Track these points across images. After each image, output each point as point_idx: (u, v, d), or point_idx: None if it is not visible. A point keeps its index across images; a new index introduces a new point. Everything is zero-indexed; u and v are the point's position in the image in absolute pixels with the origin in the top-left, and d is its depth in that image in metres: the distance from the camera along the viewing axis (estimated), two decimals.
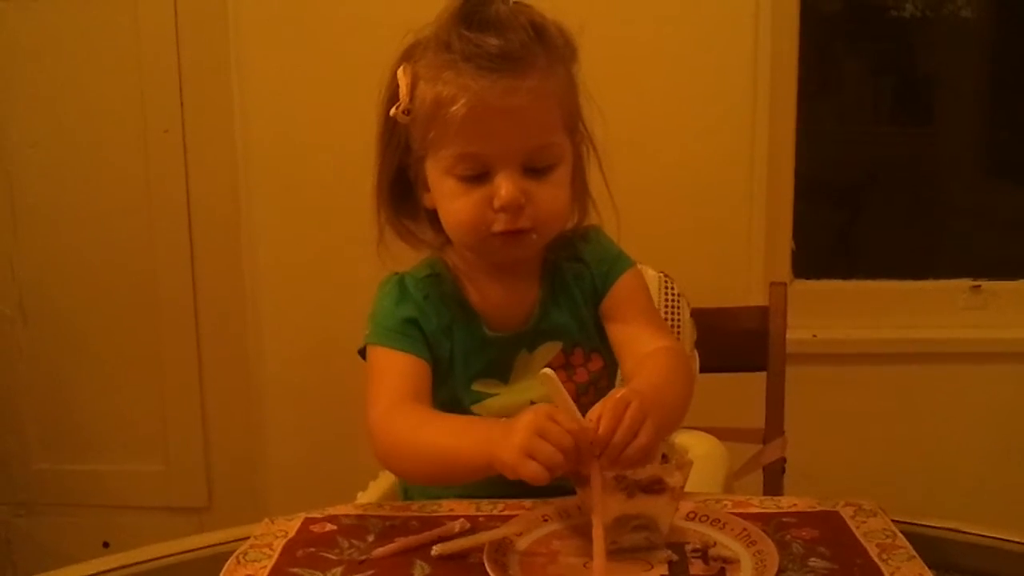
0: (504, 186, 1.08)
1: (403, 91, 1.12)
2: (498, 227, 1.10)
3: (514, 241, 1.12)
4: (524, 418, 0.93)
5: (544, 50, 1.10)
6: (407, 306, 1.17)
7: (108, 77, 2.25)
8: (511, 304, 1.20)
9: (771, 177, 2.13)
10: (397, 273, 1.21)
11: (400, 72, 1.12)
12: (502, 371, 1.19)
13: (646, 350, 1.16)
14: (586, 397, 1.19)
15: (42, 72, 2.26)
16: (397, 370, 1.14)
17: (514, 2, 1.10)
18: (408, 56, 1.13)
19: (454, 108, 1.06)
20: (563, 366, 1.19)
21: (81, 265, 2.32)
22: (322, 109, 2.12)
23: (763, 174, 2.12)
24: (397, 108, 1.12)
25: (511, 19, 1.07)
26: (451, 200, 1.12)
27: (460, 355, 1.18)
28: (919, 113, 2.61)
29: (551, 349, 1.20)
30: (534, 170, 1.10)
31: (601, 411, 0.94)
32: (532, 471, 0.91)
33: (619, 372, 1.24)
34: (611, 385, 1.25)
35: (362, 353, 1.19)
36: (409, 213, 1.20)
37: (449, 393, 1.17)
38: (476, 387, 1.18)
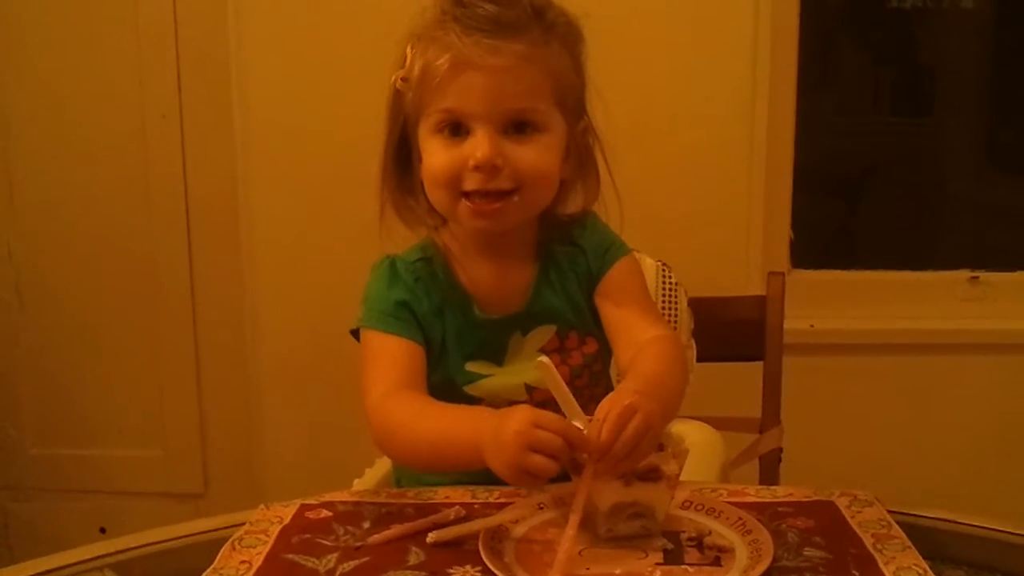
0: (480, 145, 1.09)
1: (407, 62, 1.14)
2: (471, 185, 1.10)
3: (491, 204, 1.11)
4: (510, 428, 0.92)
5: (541, 27, 1.12)
6: (399, 288, 1.18)
7: (106, 62, 2.24)
8: (503, 287, 1.20)
9: (770, 167, 2.12)
10: (389, 256, 1.22)
11: (408, 48, 1.15)
12: (495, 353, 1.19)
13: (642, 338, 1.16)
14: (580, 380, 1.20)
15: (41, 56, 2.25)
16: (392, 355, 1.14)
17: None
18: (415, 31, 1.15)
19: (438, 62, 1.09)
20: (557, 349, 1.20)
21: (78, 250, 2.32)
22: (321, 96, 2.11)
23: (762, 164, 2.11)
24: (397, 76, 1.14)
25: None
26: (432, 157, 1.13)
27: (452, 337, 1.18)
28: (919, 104, 2.61)
29: (545, 332, 1.20)
30: (516, 130, 1.11)
31: (607, 414, 0.93)
32: (530, 484, 0.94)
33: (612, 359, 1.24)
34: (605, 369, 1.25)
35: (354, 334, 1.19)
36: (407, 188, 1.20)
37: (443, 374, 1.18)
38: (470, 368, 1.18)
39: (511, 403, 1.09)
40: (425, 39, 1.12)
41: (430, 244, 1.22)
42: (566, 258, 1.22)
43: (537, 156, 1.12)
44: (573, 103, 1.17)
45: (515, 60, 1.08)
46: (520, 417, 0.93)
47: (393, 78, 1.15)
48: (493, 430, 0.94)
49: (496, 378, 1.18)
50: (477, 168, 1.09)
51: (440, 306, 1.18)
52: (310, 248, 2.17)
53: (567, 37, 1.15)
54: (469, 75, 1.08)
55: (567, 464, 0.96)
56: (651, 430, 0.93)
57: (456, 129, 1.11)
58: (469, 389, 1.18)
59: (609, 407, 0.94)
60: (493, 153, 1.08)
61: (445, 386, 1.17)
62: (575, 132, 1.18)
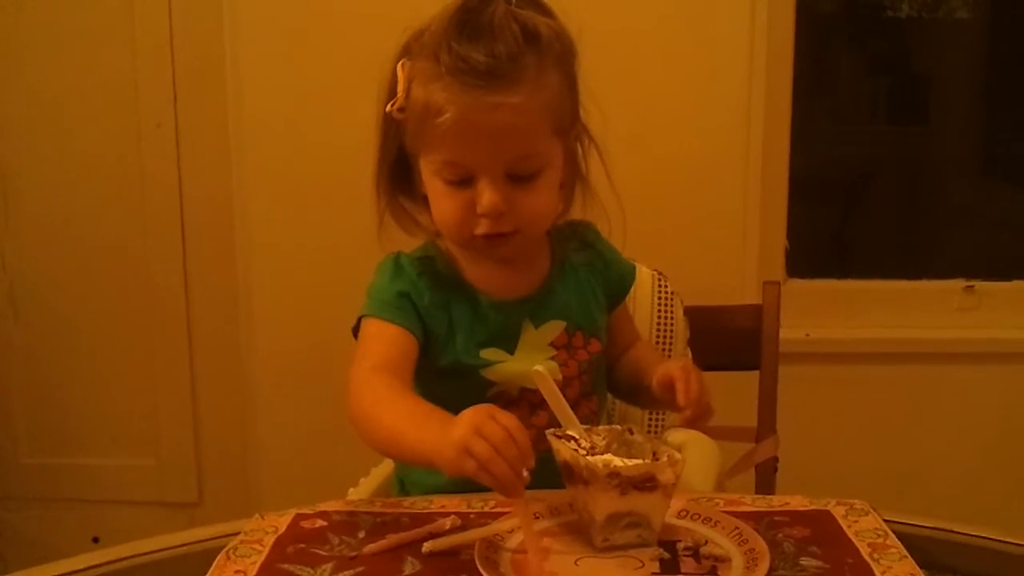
0: (486, 194, 1.12)
1: (400, 88, 1.14)
2: (480, 230, 1.15)
3: (497, 242, 1.16)
4: (466, 413, 0.93)
5: (535, 59, 1.10)
6: (401, 281, 1.20)
7: (101, 70, 2.24)
8: (511, 278, 1.23)
9: (766, 176, 2.13)
10: (393, 253, 1.24)
11: (399, 67, 1.15)
12: (507, 341, 1.21)
13: (628, 341, 1.34)
14: (585, 375, 1.24)
15: (35, 65, 2.25)
16: (383, 339, 1.17)
17: (515, 4, 1.10)
18: (407, 51, 1.15)
19: (440, 119, 1.09)
20: (565, 346, 1.23)
21: (73, 259, 2.31)
22: (316, 104, 2.11)
23: (758, 173, 2.11)
24: (393, 105, 1.15)
25: (503, 27, 1.08)
26: (438, 200, 1.16)
27: (463, 327, 1.20)
28: (914, 113, 2.61)
29: (555, 327, 1.23)
30: (518, 177, 1.13)
31: (666, 375, 1.11)
32: (470, 468, 0.90)
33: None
34: (601, 373, 1.30)
35: (355, 332, 1.20)
36: (408, 194, 1.23)
37: (452, 359, 1.19)
38: (484, 355, 1.20)
39: (523, 389, 1.17)
40: (423, 74, 1.11)
41: (432, 245, 1.24)
42: (583, 262, 1.27)
43: (537, 200, 1.15)
44: (568, 120, 1.18)
45: (515, 113, 1.09)
46: (480, 407, 0.94)
47: (388, 107, 1.15)
48: (448, 430, 0.93)
49: (509, 364, 1.20)
50: (484, 215, 1.13)
51: (446, 300, 1.20)
52: (305, 257, 2.17)
53: (561, 57, 1.14)
54: (472, 132, 1.09)
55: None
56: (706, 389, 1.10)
57: (460, 176, 1.13)
58: (484, 372, 1.19)
59: (665, 370, 1.13)
60: (499, 201, 1.12)
61: (455, 371, 1.19)
62: (569, 140, 1.19)
